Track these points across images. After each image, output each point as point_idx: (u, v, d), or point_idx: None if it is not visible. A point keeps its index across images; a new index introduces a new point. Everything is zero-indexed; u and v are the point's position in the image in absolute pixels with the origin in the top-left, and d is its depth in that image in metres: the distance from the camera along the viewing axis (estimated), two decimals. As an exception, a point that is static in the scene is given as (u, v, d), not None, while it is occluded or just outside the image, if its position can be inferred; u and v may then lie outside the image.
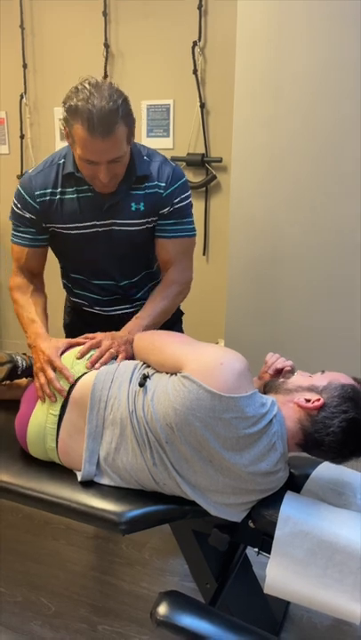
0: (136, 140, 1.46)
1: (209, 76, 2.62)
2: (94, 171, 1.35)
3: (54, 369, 1.33)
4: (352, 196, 1.99)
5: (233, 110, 2.12)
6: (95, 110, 1.23)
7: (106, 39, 2.75)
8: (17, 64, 2.97)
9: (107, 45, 2.75)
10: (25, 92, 3.00)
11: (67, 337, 1.74)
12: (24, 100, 3.00)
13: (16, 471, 1.33)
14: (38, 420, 1.32)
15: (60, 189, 1.47)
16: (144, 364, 1.33)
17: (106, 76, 2.78)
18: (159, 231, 1.55)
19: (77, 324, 1.73)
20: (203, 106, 2.63)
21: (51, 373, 1.32)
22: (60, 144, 2.99)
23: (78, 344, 1.42)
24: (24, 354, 1.54)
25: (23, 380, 1.56)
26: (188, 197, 1.54)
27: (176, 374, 1.20)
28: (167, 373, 1.25)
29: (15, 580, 1.77)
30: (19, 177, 3.09)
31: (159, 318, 1.54)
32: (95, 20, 2.74)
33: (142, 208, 1.49)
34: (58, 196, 1.47)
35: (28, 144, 3.06)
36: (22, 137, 3.05)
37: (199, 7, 2.50)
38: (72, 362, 1.36)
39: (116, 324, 1.61)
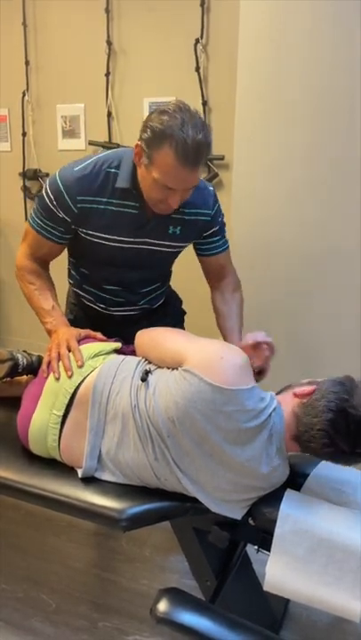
0: None
1: (211, 74, 2.61)
2: (167, 195, 1.33)
3: (69, 349, 1.36)
4: (355, 193, 1.99)
5: (235, 108, 2.11)
6: (190, 140, 1.22)
7: (108, 36, 2.74)
8: (19, 61, 2.96)
9: (109, 43, 2.74)
10: (27, 90, 3.00)
11: None
12: (26, 97, 3.00)
13: (17, 468, 1.34)
14: (41, 418, 1.32)
15: (106, 199, 1.41)
16: (146, 360, 1.34)
17: (108, 73, 2.78)
18: (212, 249, 1.60)
19: (82, 319, 1.72)
20: (205, 103, 2.62)
21: (64, 350, 1.35)
22: (63, 141, 2.99)
23: (96, 338, 1.45)
24: (24, 351, 1.54)
25: (23, 377, 1.56)
26: (223, 214, 1.60)
27: (177, 369, 1.21)
28: (168, 368, 1.25)
29: (16, 577, 1.78)
30: (20, 174, 3.10)
31: (242, 320, 1.63)
32: (97, 18, 2.73)
33: (178, 232, 1.50)
34: (101, 206, 1.42)
35: (29, 141, 3.06)
36: (24, 134, 3.05)
37: (202, 4, 2.50)
38: (84, 358, 1.36)
39: (117, 323, 1.64)
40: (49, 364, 1.37)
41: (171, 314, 1.77)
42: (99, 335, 1.47)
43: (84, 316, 1.71)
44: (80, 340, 1.42)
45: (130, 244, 1.48)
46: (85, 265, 1.61)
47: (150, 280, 1.64)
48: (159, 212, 1.41)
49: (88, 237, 1.48)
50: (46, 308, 1.49)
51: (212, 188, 1.54)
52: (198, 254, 1.63)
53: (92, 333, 1.46)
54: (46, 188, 1.43)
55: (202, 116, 1.34)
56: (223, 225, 1.60)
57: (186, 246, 1.58)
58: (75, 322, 1.69)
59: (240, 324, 1.60)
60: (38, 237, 1.50)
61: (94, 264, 1.58)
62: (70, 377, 1.31)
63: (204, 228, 1.54)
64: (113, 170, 1.41)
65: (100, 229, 1.46)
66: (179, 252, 1.60)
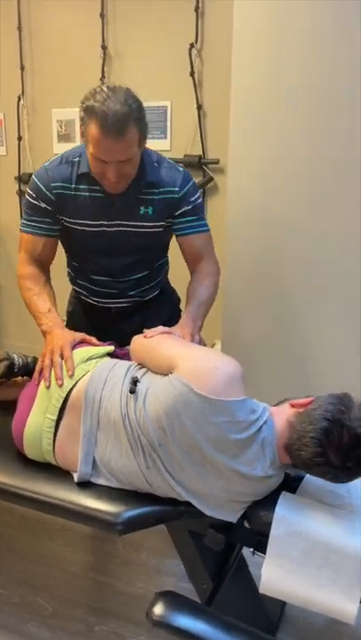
0: None
1: (206, 78, 2.62)
2: (104, 169, 1.40)
3: (62, 356, 1.36)
4: (351, 197, 2.00)
5: (230, 112, 2.12)
6: (110, 112, 1.29)
7: (103, 41, 2.75)
8: (14, 65, 2.97)
9: (104, 47, 2.75)
10: (22, 94, 3.00)
11: (68, 324, 1.75)
12: (22, 101, 3.01)
13: (12, 472, 1.34)
14: (35, 422, 1.32)
15: (74, 185, 1.51)
16: (138, 364, 1.34)
17: (103, 77, 2.79)
18: (182, 229, 1.60)
19: (79, 312, 1.79)
20: (200, 107, 2.63)
21: (57, 359, 1.36)
22: (58, 145, 2.99)
23: (92, 344, 1.45)
24: (22, 354, 1.55)
25: (19, 379, 1.57)
26: (200, 197, 1.62)
27: (168, 375, 1.21)
28: (160, 374, 1.25)
29: (12, 581, 1.77)
30: (16, 178, 3.10)
31: (209, 306, 1.59)
32: (93, 22, 2.74)
33: (150, 212, 1.55)
34: (72, 192, 1.51)
35: (25, 145, 3.07)
36: (20, 138, 3.05)
37: (196, 9, 2.51)
38: (76, 362, 1.36)
39: (112, 316, 1.70)
40: (41, 371, 1.37)
41: (166, 310, 1.78)
42: (94, 340, 1.47)
43: (81, 310, 1.79)
44: (74, 345, 1.42)
45: (105, 227, 1.55)
46: (75, 257, 1.69)
47: (136, 267, 1.66)
48: (110, 191, 1.46)
49: (69, 225, 1.57)
50: (42, 310, 1.51)
51: (181, 169, 1.58)
52: (175, 236, 1.65)
53: (87, 338, 1.46)
54: (27, 190, 1.57)
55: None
56: (198, 207, 1.60)
57: (161, 226, 1.59)
58: (73, 315, 1.80)
59: (200, 311, 1.55)
60: (30, 237, 1.58)
61: (80, 254, 1.66)
62: (61, 386, 1.31)
63: (173, 207, 1.56)
64: (77, 159, 1.51)
65: (75, 215, 1.55)
66: (157, 234, 1.60)
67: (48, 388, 1.32)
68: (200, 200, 1.62)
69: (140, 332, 1.43)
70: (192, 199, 1.58)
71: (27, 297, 1.55)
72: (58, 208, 1.54)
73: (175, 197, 1.55)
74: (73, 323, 1.78)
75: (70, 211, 1.54)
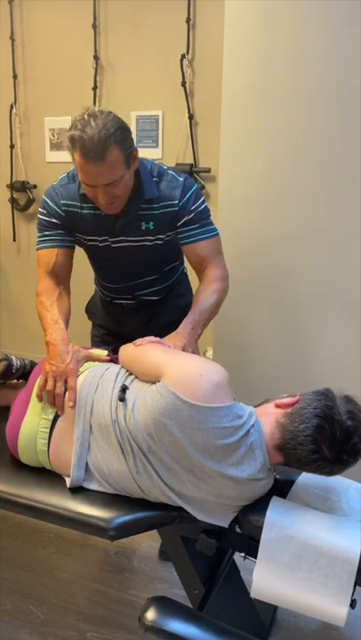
0: None
1: (197, 88, 2.66)
2: (95, 193, 1.42)
3: (65, 381, 1.34)
4: (341, 206, 2.02)
5: (220, 121, 2.15)
6: (87, 138, 1.32)
7: (95, 51, 2.78)
8: (7, 74, 2.99)
9: (96, 57, 2.78)
10: (15, 103, 3.02)
11: (89, 311, 1.95)
12: (14, 110, 3.03)
13: (5, 478, 1.34)
14: (30, 423, 1.33)
15: (79, 204, 1.56)
16: (126, 371, 1.35)
17: (95, 87, 2.81)
18: (186, 238, 1.60)
19: (98, 302, 1.91)
20: (191, 117, 2.66)
21: (60, 389, 1.33)
22: (50, 154, 3.02)
23: (98, 360, 1.45)
24: (19, 357, 1.58)
25: (14, 383, 1.58)
26: (203, 202, 1.61)
27: (156, 383, 1.22)
28: (148, 382, 1.26)
29: (4, 589, 1.77)
30: (8, 186, 3.11)
31: (212, 314, 1.58)
32: (85, 32, 2.77)
33: (152, 227, 1.58)
34: (78, 210, 1.56)
35: (17, 154, 3.08)
36: (12, 147, 3.07)
37: (187, 21, 2.55)
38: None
39: (125, 310, 1.80)
40: (44, 388, 1.35)
41: (178, 308, 1.79)
42: (94, 355, 1.46)
43: (99, 301, 1.90)
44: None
45: (110, 243, 1.60)
46: (90, 262, 1.77)
47: (144, 273, 1.72)
48: (106, 212, 1.49)
49: (79, 238, 1.63)
50: (50, 322, 1.50)
51: (182, 179, 1.57)
52: (180, 244, 1.64)
53: (92, 357, 1.45)
54: (38, 210, 1.61)
55: (117, 116, 1.40)
56: (200, 215, 1.59)
57: (165, 238, 1.61)
58: (94, 305, 1.93)
59: (201, 318, 1.54)
60: (44, 252, 1.60)
61: (92, 262, 1.76)
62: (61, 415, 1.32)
63: (174, 219, 1.57)
64: (78, 180, 1.52)
65: (83, 231, 1.60)
66: (162, 245, 1.63)
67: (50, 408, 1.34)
68: (203, 206, 1.60)
69: (150, 325, 1.44)
70: (193, 207, 1.57)
71: (39, 311, 1.55)
72: (68, 224, 1.59)
73: (174, 210, 1.56)
74: (94, 310, 1.92)
75: (78, 226, 1.59)
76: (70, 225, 1.59)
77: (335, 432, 1.12)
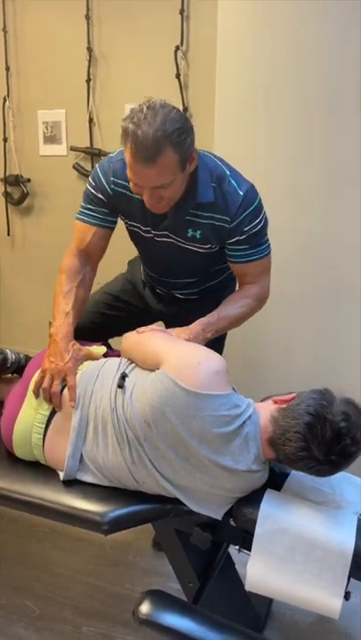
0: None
1: (191, 81, 2.63)
2: (140, 191, 1.34)
3: (63, 380, 1.32)
4: (345, 197, 2.01)
5: (214, 114, 2.14)
6: (141, 136, 1.22)
7: (89, 42, 2.75)
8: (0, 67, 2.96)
9: (90, 49, 2.75)
10: (8, 95, 2.99)
11: (128, 266, 1.85)
12: (7, 102, 2.99)
13: (-1, 474, 1.34)
14: (26, 417, 1.33)
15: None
16: (128, 361, 1.35)
17: (89, 79, 2.79)
18: (233, 257, 1.51)
19: (138, 270, 1.81)
20: (185, 109, 2.64)
21: (56, 388, 1.31)
22: (44, 147, 2.99)
23: (95, 358, 1.41)
24: (14, 351, 1.57)
25: (9, 377, 1.57)
26: (260, 222, 1.47)
27: (155, 371, 1.22)
28: (148, 370, 1.26)
29: (-1, 584, 1.77)
30: (2, 180, 3.08)
31: (231, 325, 1.53)
32: (78, 24, 2.74)
33: (198, 236, 1.47)
34: (128, 192, 1.43)
35: (11, 146, 3.05)
36: (5, 140, 3.04)
37: (181, 12, 2.52)
38: None
39: (158, 296, 1.74)
40: (40, 385, 1.33)
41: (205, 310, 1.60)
42: (94, 354, 1.43)
43: (138, 275, 1.80)
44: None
45: (153, 236, 1.52)
46: (134, 244, 1.67)
47: (183, 273, 1.63)
48: (151, 210, 1.38)
49: (124, 220, 1.56)
50: (61, 311, 1.45)
51: (242, 193, 1.42)
52: (227, 259, 1.56)
53: (92, 356, 1.42)
54: (88, 179, 1.52)
55: (181, 112, 1.30)
56: (253, 235, 1.47)
57: (213, 247, 1.51)
58: (134, 270, 1.83)
59: (218, 324, 1.48)
60: (82, 226, 1.53)
61: (136, 246, 1.67)
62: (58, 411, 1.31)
63: (223, 235, 1.46)
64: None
65: (128, 216, 1.52)
66: (206, 254, 1.52)
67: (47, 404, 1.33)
68: (260, 226, 1.47)
69: (177, 318, 1.44)
70: (247, 228, 1.44)
71: (56, 292, 1.49)
72: (114, 202, 1.49)
73: (225, 227, 1.44)
74: (134, 269, 1.82)
75: (124, 209, 1.50)
76: (116, 205, 1.49)
77: (326, 432, 1.11)
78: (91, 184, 1.50)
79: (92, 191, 1.49)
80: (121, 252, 1.76)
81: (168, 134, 1.23)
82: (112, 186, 1.46)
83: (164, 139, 1.22)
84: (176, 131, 1.24)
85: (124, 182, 1.43)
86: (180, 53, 2.58)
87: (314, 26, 1.91)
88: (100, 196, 1.48)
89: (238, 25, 2.02)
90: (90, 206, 1.51)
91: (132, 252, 1.77)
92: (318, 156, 2.01)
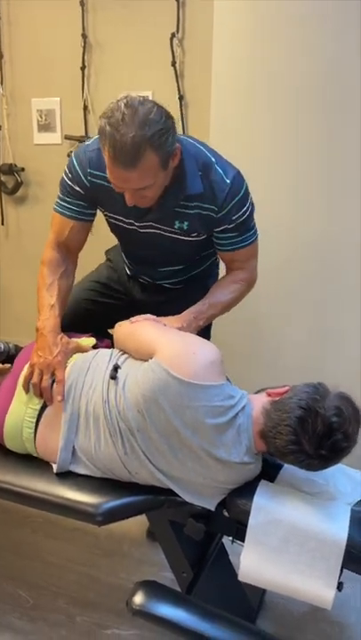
0: None
1: (188, 69, 2.61)
2: (122, 191, 1.29)
3: (52, 374, 1.30)
4: (334, 188, 2.00)
5: (210, 102, 2.12)
6: (119, 139, 1.15)
7: (83, 29, 2.71)
8: (-7, 54, 2.92)
9: (84, 36, 2.72)
10: (1, 83, 2.95)
11: (107, 255, 1.81)
12: (0, 90, 2.96)
13: (-9, 464, 1.33)
14: (17, 413, 1.32)
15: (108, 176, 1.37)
16: (120, 351, 1.34)
17: (84, 66, 2.75)
18: (221, 245, 1.50)
19: (120, 262, 1.76)
20: (181, 98, 2.62)
21: (46, 383, 1.29)
22: (38, 135, 2.96)
23: (84, 351, 1.40)
24: (3, 340, 1.56)
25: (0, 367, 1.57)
26: (247, 209, 1.45)
27: (148, 360, 1.21)
28: (141, 360, 1.26)
29: (-7, 574, 1.77)
30: (-4, 169, 3.06)
31: (222, 311, 1.52)
32: (72, 10, 2.70)
33: (185, 227, 1.44)
34: (106, 183, 1.35)
35: (4, 135, 3.02)
36: (-1, 128, 3.01)
37: (177, -1, 2.49)
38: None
39: (141, 285, 1.69)
40: (30, 379, 1.32)
41: (193, 299, 1.58)
42: (83, 347, 1.41)
43: (120, 266, 1.76)
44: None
45: (136, 227, 1.47)
46: (115, 236, 1.63)
47: (168, 261, 1.60)
48: (137, 205, 1.35)
49: (104, 213, 1.51)
50: (45, 304, 1.43)
51: (229, 181, 1.38)
52: (214, 245, 1.55)
53: (81, 349, 1.40)
54: (64, 169, 1.45)
55: (161, 110, 1.23)
56: (241, 223, 1.44)
57: (200, 236, 1.49)
58: (113, 262, 1.78)
59: (208, 312, 1.48)
60: (60, 218, 1.49)
61: (117, 238, 1.63)
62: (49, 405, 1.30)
63: (211, 224, 1.44)
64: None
65: (108, 207, 1.47)
66: (192, 242, 1.50)
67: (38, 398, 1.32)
68: (247, 214, 1.45)
69: (162, 308, 1.42)
70: (235, 217, 1.42)
71: (38, 283, 1.47)
72: (92, 196, 1.44)
73: (213, 216, 1.41)
74: (114, 258, 1.77)
75: (103, 201, 1.45)
76: (94, 197, 1.44)
77: (317, 426, 1.10)
78: (67, 174, 1.43)
79: (69, 183, 1.43)
80: (99, 242, 1.73)
81: (148, 138, 1.16)
82: (89, 177, 1.40)
83: (144, 142, 1.16)
84: (157, 133, 1.18)
85: (101, 173, 1.36)
86: (175, 41, 2.55)
87: (313, 11, 1.89)
88: (77, 188, 1.43)
89: (235, 10, 2.00)
90: (67, 198, 1.46)
91: (110, 240, 1.73)
92: (317, 144, 1.99)
